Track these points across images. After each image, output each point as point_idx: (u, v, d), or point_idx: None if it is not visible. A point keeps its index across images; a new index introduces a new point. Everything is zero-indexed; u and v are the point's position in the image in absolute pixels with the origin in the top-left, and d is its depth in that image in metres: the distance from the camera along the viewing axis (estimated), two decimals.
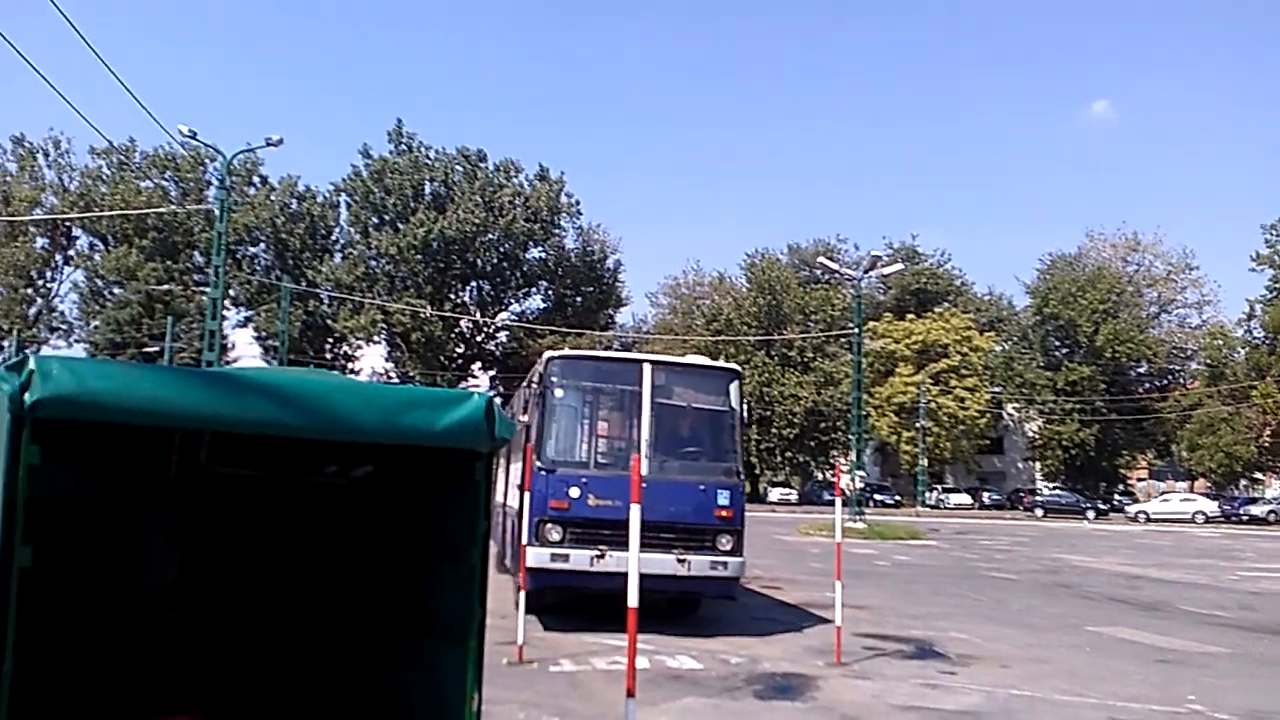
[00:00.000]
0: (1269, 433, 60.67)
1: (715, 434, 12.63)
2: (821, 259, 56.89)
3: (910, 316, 70.81)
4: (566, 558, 11.35)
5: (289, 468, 4.24)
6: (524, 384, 14.62)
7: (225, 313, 40.00)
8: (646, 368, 12.18)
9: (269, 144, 31.42)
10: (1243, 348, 63.89)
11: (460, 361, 71.34)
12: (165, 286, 59.37)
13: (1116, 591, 19.34)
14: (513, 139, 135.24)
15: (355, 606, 4.56)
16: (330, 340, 70.04)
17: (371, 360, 70.78)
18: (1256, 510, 57.74)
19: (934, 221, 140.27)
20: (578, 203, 71.97)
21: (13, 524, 2.51)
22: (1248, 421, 60.01)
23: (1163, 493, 67.57)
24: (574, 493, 11.47)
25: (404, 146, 68.95)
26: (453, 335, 69.46)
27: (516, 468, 13.46)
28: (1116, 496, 68.98)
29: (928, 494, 67.27)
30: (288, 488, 4.56)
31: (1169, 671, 10.91)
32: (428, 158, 68.96)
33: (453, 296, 70.10)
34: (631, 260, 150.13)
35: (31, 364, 2.58)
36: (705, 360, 14.21)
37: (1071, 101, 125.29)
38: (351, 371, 69.12)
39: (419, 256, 65.29)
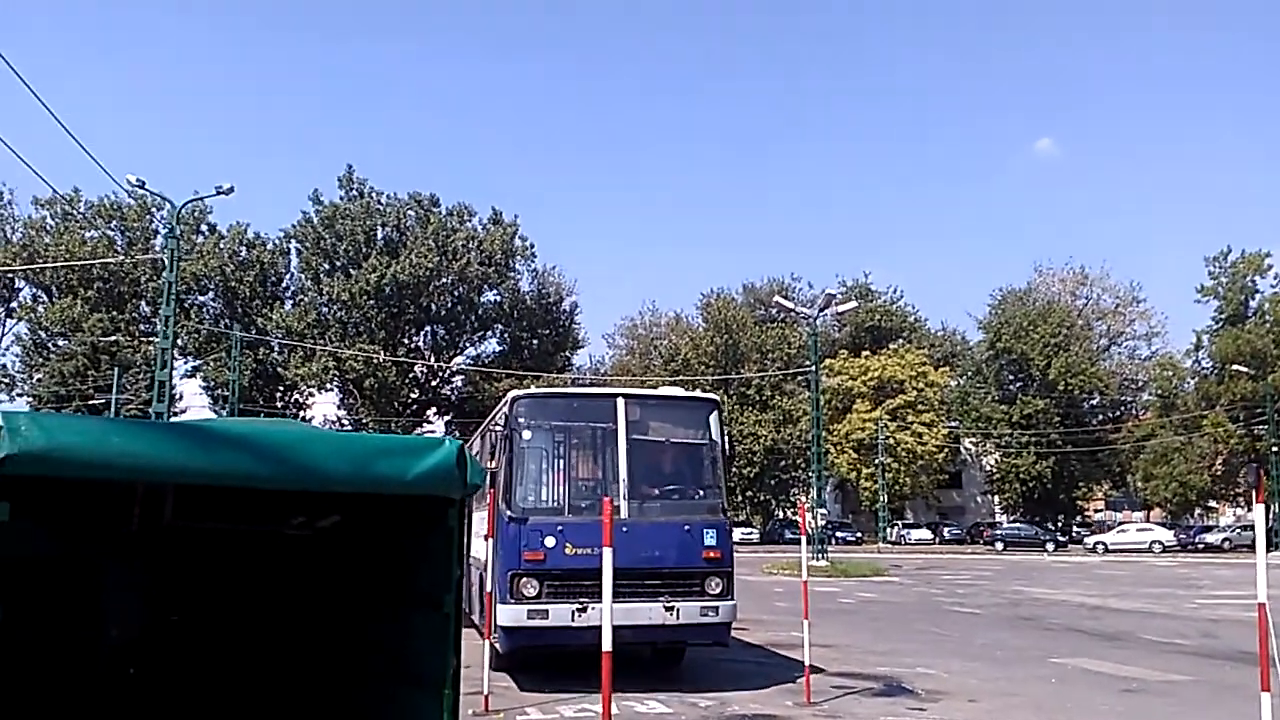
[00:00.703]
0: (1221, 462, 61.74)
1: (697, 469, 12.02)
2: (777, 298, 57.37)
3: (866, 353, 71.55)
4: (545, 613, 10.50)
5: (255, 519, 4.16)
6: (485, 427, 13.73)
7: (173, 363, 39.26)
8: (621, 403, 11.43)
9: (219, 192, 30.99)
10: (1192, 378, 65.19)
11: (415, 407, 70.65)
12: (112, 338, 58.35)
13: (1078, 623, 19.47)
14: (465, 184, 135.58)
15: (328, 657, 4.48)
16: (281, 389, 69.09)
17: (323, 408, 69.84)
18: (1212, 538, 58.61)
19: (886, 259, 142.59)
20: (532, 245, 72.02)
21: None
22: (1200, 451, 61.05)
23: (1120, 523, 68.42)
24: (549, 542, 10.62)
25: (355, 192, 68.48)
26: (407, 381, 68.78)
27: (480, 515, 12.70)
28: (1075, 528, 69.68)
29: (889, 530, 67.56)
30: (255, 539, 4.47)
31: (1134, 701, 10.99)
32: (379, 203, 68.59)
33: (406, 341, 69.57)
34: (588, 302, 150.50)
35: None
36: (682, 392, 13.64)
37: (1016, 140, 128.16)
38: (303, 420, 68.23)
39: (371, 302, 64.73)
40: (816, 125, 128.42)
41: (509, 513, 10.80)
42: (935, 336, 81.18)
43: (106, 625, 4.50)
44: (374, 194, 68.66)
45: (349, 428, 64.04)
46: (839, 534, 64.51)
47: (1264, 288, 62.28)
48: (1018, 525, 66.59)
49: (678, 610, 10.78)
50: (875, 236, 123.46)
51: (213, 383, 65.09)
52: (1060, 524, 69.24)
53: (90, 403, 56.64)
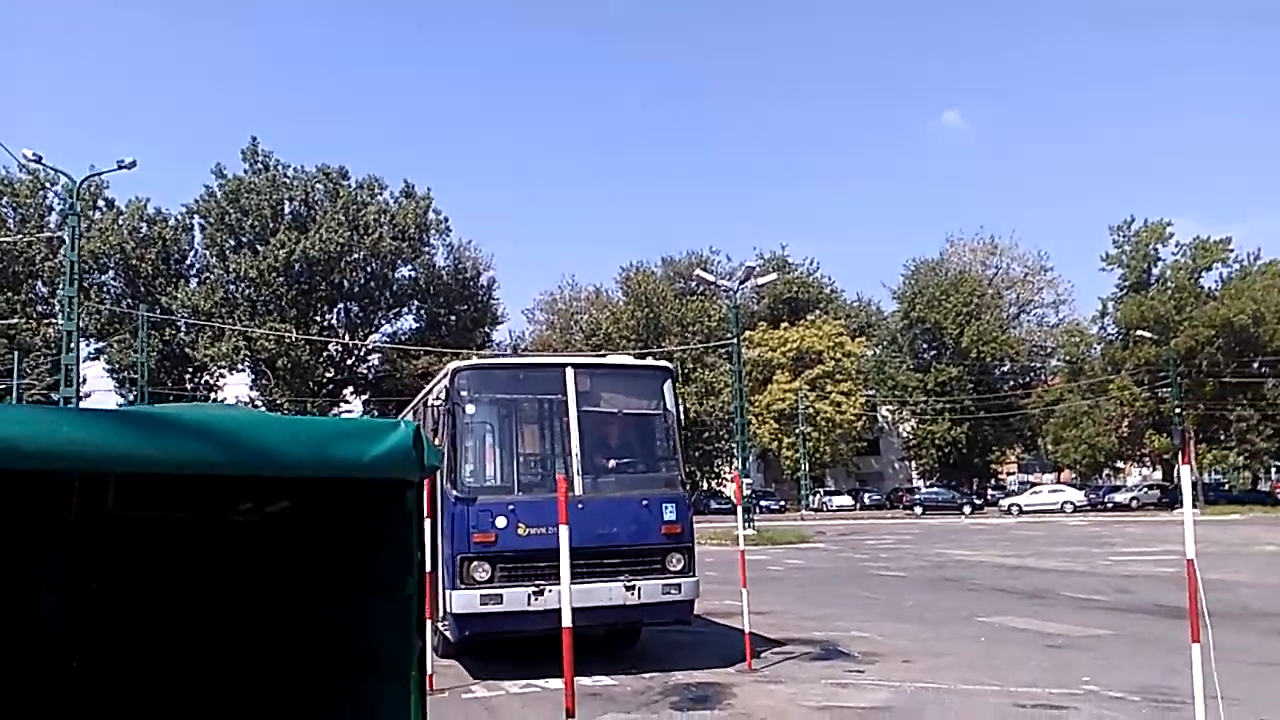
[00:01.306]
0: (1126, 424, 64.00)
1: (652, 441, 11.57)
2: (699, 271, 57.63)
3: (784, 325, 72.41)
4: (499, 598, 9.92)
5: (201, 506, 3.99)
6: (421, 402, 13.15)
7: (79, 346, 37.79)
8: (570, 372, 10.85)
9: (121, 166, 29.61)
10: (1098, 344, 67.20)
11: (331, 387, 69.25)
12: (9, 320, 55.91)
13: (1000, 582, 20.02)
14: (375, 156, 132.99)
15: (286, 645, 4.35)
16: (190, 370, 67.18)
17: (235, 389, 68.00)
18: (1120, 498, 61.22)
19: (802, 232, 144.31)
20: (446, 219, 70.81)
21: None
22: (1107, 414, 63.07)
23: (1033, 485, 70.72)
24: (500, 523, 10.04)
25: (260, 165, 66.26)
26: (321, 360, 67.29)
27: None
28: (990, 491, 71.81)
29: (811, 498, 68.73)
30: (201, 527, 4.29)
31: (1060, 656, 11.32)
32: (286, 176, 66.53)
33: (319, 319, 68.03)
34: (506, 277, 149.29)
35: None
36: (632, 360, 13.27)
37: (924, 111, 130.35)
38: (215, 403, 66.50)
39: (281, 279, 62.97)
40: (731, 98, 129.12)
41: (455, 493, 10.20)
42: (851, 307, 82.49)
43: (46, 620, 4.33)
44: (280, 167, 66.63)
45: (263, 408, 62.63)
46: (763, 503, 65.36)
47: (1165, 255, 64.47)
48: (935, 490, 68.34)
49: (639, 589, 10.33)
50: (791, 210, 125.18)
51: (117, 365, 62.89)
52: (975, 488, 71.24)
53: None
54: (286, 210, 65.54)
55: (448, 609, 10.16)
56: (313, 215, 65.14)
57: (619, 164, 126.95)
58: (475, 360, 12.39)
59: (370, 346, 70.99)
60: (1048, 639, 12.53)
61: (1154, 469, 69.86)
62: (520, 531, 10.03)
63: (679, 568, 10.62)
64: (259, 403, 65.52)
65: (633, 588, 10.29)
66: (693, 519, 11.20)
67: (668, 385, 11.50)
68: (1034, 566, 23.51)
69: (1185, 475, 7.33)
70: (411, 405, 15.34)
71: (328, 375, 68.99)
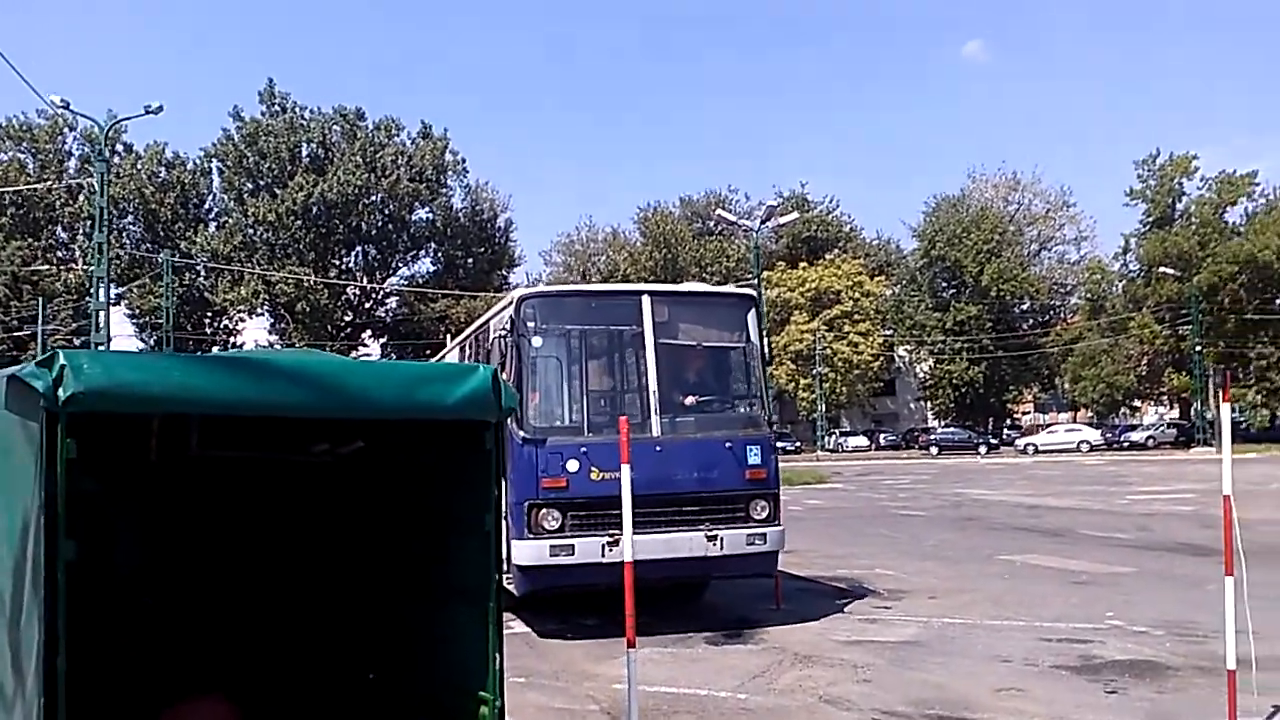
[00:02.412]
0: (1146, 362, 63.84)
1: (735, 376, 10.83)
2: (719, 211, 57.27)
3: (803, 264, 72.05)
4: (571, 549, 9.22)
5: (281, 448, 4.18)
6: (476, 335, 12.28)
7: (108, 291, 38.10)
8: (646, 300, 9.99)
9: (149, 112, 29.41)
10: (1119, 281, 66.75)
11: (349, 330, 69.71)
12: (32, 267, 56.27)
13: (1020, 521, 20.25)
14: (391, 97, 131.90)
15: (372, 579, 4.57)
16: (210, 315, 67.68)
17: (255, 333, 68.63)
18: (1136, 436, 61.22)
19: (821, 169, 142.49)
20: (463, 160, 70.72)
21: (55, 519, 2.53)
22: (1126, 352, 62.88)
23: (1049, 425, 70.74)
24: (572, 466, 9.31)
25: (277, 107, 66.18)
26: (340, 303, 67.74)
27: None
28: (1005, 431, 71.85)
29: (826, 438, 69.04)
30: (284, 467, 4.49)
31: (1084, 592, 11.53)
32: (303, 118, 66.43)
33: (337, 263, 68.32)
34: (522, 219, 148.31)
35: (62, 359, 2.58)
36: (712, 288, 12.79)
37: (945, 42, 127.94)
38: (234, 345, 67.37)
39: (299, 222, 63.16)
40: (745, 33, 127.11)
41: (521, 434, 9.37)
42: (871, 246, 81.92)
43: (120, 557, 4.52)
44: (297, 109, 66.56)
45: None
46: (779, 444, 65.61)
47: (1190, 190, 63.58)
48: (951, 430, 68.37)
49: (721, 539, 9.54)
50: (810, 147, 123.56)
51: (138, 310, 63.37)
52: (991, 427, 71.33)
53: (15, 335, 54.83)
54: (304, 153, 65.52)
55: (512, 560, 9.36)
56: (330, 158, 65.11)
57: (635, 102, 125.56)
58: (543, 287, 11.54)
59: (388, 290, 71.25)
60: (1071, 576, 12.75)
61: (1171, 408, 69.74)
62: (593, 476, 9.31)
63: (764, 516, 9.85)
64: (279, 346, 66.08)
65: (715, 537, 9.52)
66: (778, 462, 10.49)
67: (751, 315, 10.58)
68: (1053, 505, 23.72)
69: (1225, 413, 7.41)
70: (462, 337, 14.33)
71: (346, 319, 69.48)
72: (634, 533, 6.17)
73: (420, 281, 69.83)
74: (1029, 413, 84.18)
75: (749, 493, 9.81)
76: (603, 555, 9.10)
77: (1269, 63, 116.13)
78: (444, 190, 70.11)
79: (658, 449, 9.39)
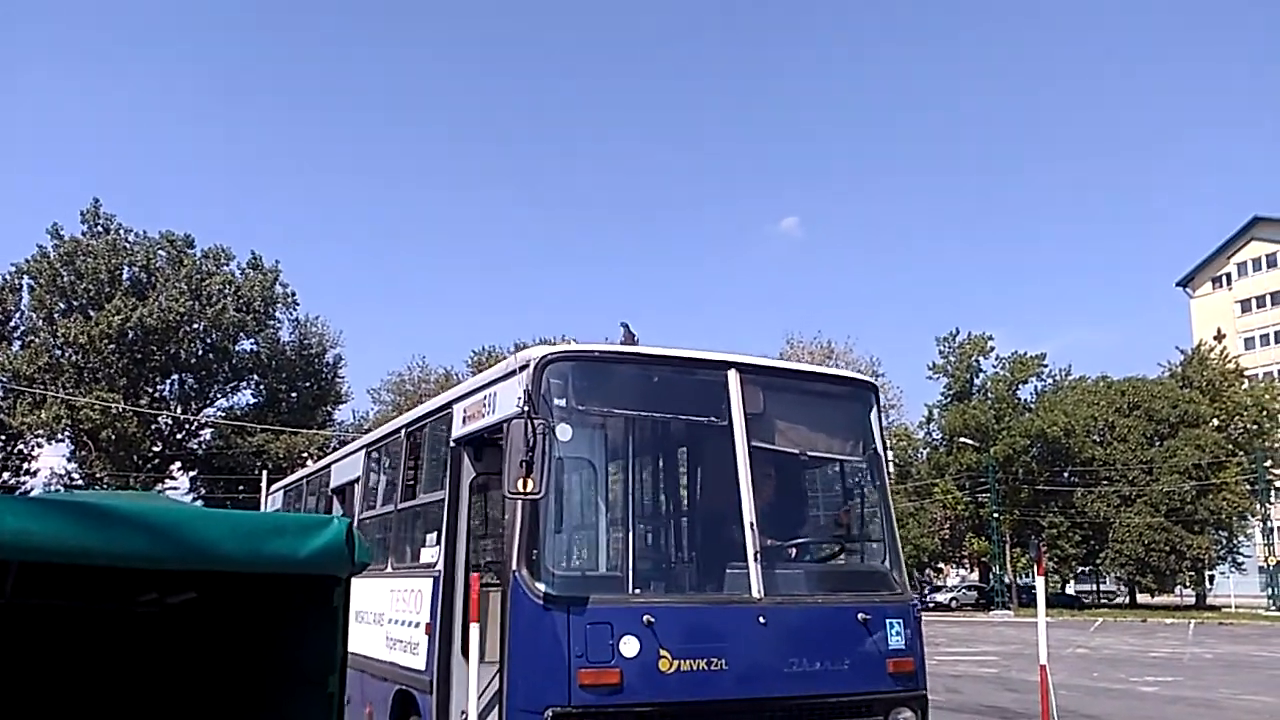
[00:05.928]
0: (949, 526, 67.17)
1: (859, 505, 7.32)
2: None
3: None
4: None
5: (104, 597, 3.94)
6: (413, 428, 8.24)
7: None
8: (734, 378, 6.42)
9: None
10: (924, 448, 70.71)
11: (158, 461, 65.64)
12: None
13: None
14: (222, 227, 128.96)
15: None
16: (3, 438, 62.58)
17: (51, 460, 63.80)
18: (941, 598, 63.88)
19: (646, 326, 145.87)
20: (294, 293, 69.11)
21: None
22: (931, 516, 66.20)
23: None
24: (629, 649, 5.56)
25: (100, 228, 63.54)
26: (149, 432, 63.89)
27: (374, 586, 7.76)
28: None
29: None
30: (109, 617, 4.21)
31: None
32: (127, 241, 63.89)
33: (150, 390, 64.75)
34: (353, 355, 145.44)
35: None
36: (824, 368, 8.93)
37: (763, 218, 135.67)
38: (28, 473, 62.66)
39: (113, 346, 59.84)
40: (585, 191, 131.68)
41: (540, 588, 5.64)
42: None
43: None
44: (122, 231, 63.98)
45: (80, 483, 58.90)
46: None
47: (986, 367, 68.49)
48: None
49: None
50: (638, 304, 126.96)
51: None
52: None
53: None
54: (125, 275, 62.71)
55: None
56: (153, 283, 62.53)
57: (472, 245, 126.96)
58: (574, 347, 6.44)
59: (203, 421, 67.81)
60: None
61: (972, 570, 73.07)
62: (663, 666, 5.63)
63: None
64: (77, 476, 61.54)
65: None
66: (924, 643, 7.00)
67: (875, 415, 7.34)
68: None
69: (1040, 586, 7.87)
70: (376, 435, 9.85)
71: (155, 449, 65.48)
72: None
73: (239, 414, 66.89)
74: None
75: (889, 696, 6.39)
76: None
77: (1060, 252, 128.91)
78: (272, 322, 68.19)
79: (760, 620, 5.98)
